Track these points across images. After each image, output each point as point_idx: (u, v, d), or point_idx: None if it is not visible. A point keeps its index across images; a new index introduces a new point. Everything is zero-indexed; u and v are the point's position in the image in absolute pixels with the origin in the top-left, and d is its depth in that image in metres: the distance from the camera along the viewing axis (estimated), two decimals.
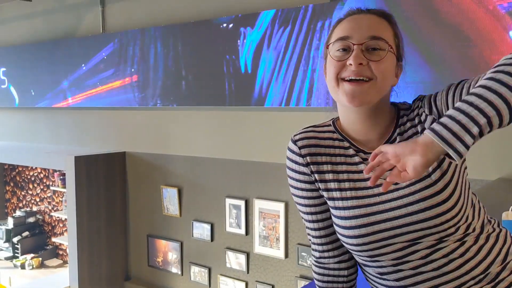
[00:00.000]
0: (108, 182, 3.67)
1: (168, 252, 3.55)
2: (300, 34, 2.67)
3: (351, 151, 1.04)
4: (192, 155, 3.34)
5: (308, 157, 1.05)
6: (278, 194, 2.91)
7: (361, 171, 1.01)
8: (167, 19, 3.36)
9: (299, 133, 1.08)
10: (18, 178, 4.84)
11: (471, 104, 0.80)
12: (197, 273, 3.39)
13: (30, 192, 4.74)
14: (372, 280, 1.06)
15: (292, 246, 2.89)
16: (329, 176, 1.03)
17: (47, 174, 4.55)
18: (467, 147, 0.78)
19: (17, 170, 4.83)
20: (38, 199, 4.69)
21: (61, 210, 4.33)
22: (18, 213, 4.63)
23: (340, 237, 1.03)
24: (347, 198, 1.00)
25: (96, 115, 3.92)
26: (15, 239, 4.45)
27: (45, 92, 4.18)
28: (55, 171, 4.21)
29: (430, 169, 0.97)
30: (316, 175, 1.04)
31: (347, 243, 1.01)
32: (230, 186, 3.15)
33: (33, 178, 4.70)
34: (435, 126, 0.82)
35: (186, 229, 3.43)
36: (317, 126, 1.10)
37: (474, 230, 0.98)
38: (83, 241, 3.52)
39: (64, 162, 3.56)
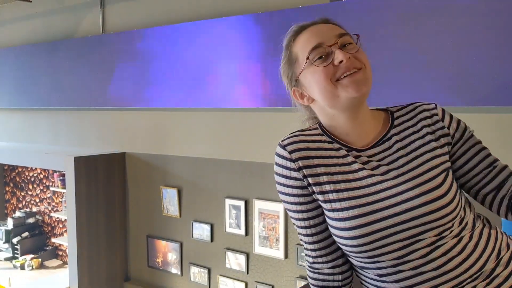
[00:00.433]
0: (107, 182, 3.67)
1: (168, 252, 3.55)
2: None
3: (342, 152, 1.04)
4: (192, 156, 3.34)
5: (300, 161, 1.04)
6: (278, 194, 2.90)
7: (355, 171, 1.02)
8: (168, 19, 3.36)
9: (288, 138, 1.08)
10: (17, 179, 4.84)
11: None
12: (197, 274, 3.38)
13: (30, 192, 4.74)
14: (369, 284, 1.06)
15: (292, 247, 2.89)
16: (324, 178, 1.02)
17: (46, 175, 4.55)
18: None
19: (16, 171, 4.83)
20: (37, 200, 4.69)
21: (61, 210, 4.33)
22: (17, 213, 4.63)
23: (338, 240, 1.02)
24: (344, 199, 1.00)
25: (95, 116, 3.92)
26: (14, 240, 4.44)
27: (45, 93, 4.18)
28: (54, 171, 4.21)
29: (427, 167, 0.99)
30: (309, 179, 1.03)
31: (346, 245, 1.01)
32: (230, 187, 3.15)
33: (32, 179, 4.70)
34: None
35: (185, 230, 3.43)
36: (304, 130, 1.10)
37: (467, 224, 1.00)
38: (83, 242, 3.52)
39: (63, 162, 3.56)
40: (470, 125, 1.10)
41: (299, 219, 1.07)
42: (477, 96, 2.12)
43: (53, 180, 4.29)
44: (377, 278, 1.01)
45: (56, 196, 4.47)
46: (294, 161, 1.04)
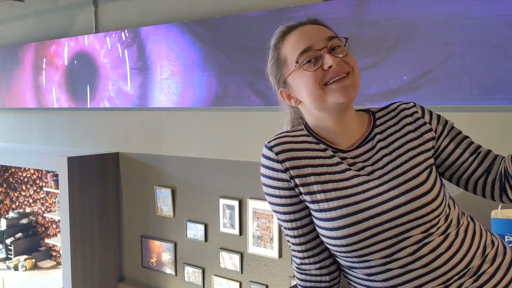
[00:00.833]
0: (101, 182, 3.66)
1: (162, 252, 3.54)
2: None
3: (329, 153, 1.05)
4: (185, 156, 3.33)
5: (287, 162, 1.04)
6: None
7: (342, 171, 1.02)
8: (162, 19, 3.36)
9: (274, 139, 1.08)
10: (11, 179, 4.82)
11: None
12: (191, 274, 3.38)
13: (23, 193, 4.71)
14: (357, 284, 1.06)
15: (285, 246, 2.89)
16: (311, 179, 1.03)
17: (40, 175, 4.53)
18: None
19: (10, 171, 4.81)
20: (31, 200, 4.67)
21: (54, 211, 4.31)
22: (11, 214, 4.61)
23: (326, 240, 1.03)
24: (332, 199, 1.01)
25: (89, 116, 3.91)
26: (8, 241, 4.43)
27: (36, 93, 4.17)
28: (48, 172, 4.19)
29: (410, 165, 1.02)
30: (297, 180, 1.03)
31: (334, 245, 1.01)
32: (224, 187, 3.15)
33: (26, 179, 4.68)
34: None
35: (179, 230, 3.42)
36: (290, 132, 1.11)
37: (452, 221, 1.01)
38: (76, 242, 3.51)
39: (57, 163, 3.55)
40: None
41: (286, 220, 1.07)
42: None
43: (46, 181, 4.27)
44: (366, 277, 1.02)
45: (49, 196, 4.46)
46: (281, 162, 1.04)
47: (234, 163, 3.07)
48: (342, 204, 1.00)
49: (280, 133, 1.10)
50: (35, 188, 4.61)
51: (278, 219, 1.10)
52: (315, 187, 1.02)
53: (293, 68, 1.04)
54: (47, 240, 4.39)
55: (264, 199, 2.95)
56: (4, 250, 4.46)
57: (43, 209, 4.55)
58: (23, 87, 4.28)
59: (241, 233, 3.08)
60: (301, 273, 1.09)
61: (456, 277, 0.97)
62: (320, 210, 1.01)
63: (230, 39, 2.94)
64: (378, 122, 1.09)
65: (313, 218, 1.05)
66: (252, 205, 2.99)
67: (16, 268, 4.26)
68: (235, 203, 3.07)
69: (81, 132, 3.99)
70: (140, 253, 3.68)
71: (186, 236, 3.37)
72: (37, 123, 4.33)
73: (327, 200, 1.01)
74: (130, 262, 3.78)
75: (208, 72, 3.06)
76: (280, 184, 1.05)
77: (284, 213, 1.07)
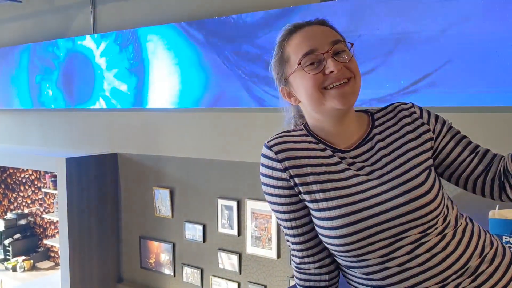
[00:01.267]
0: (99, 183, 3.66)
1: (161, 253, 3.54)
2: None
3: (328, 152, 1.05)
4: (184, 156, 3.33)
5: (286, 162, 1.05)
6: None
7: (341, 170, 1.03)
8: (160, 19, 3.36)
9: (273, 139, 1.08)
10: (9, 180, 4.81)
11: None
12: (190, 274, 3.38)
13: (21, 194, 4.71)
14: (356, 282, 1.07)
15: (284, 247, 2.90)
16: (310, 178, 1.03)
17: (38, 176, 4.53)
18: None
19: (8, 172, 4.80)
20: (29, 201, 4.66)
21: (53, 212, 4.31)
22: (9, 215, 4.61)
23: (325, 239, 1.03)
24: (331, 199, 1.01)
25: (86, 117, 3.91)
26: (6, 242, 4.42)
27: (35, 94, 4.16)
28: (46, 173, 4.19)
29: (409, 166, 1.02)
30: (296, 179, 1.04)
31: (333, 244, 1.01)
32: (222, 187, 3.15)
33: (24, 180, 4.67)
34: None
35: (178, 230, 3.42)
36: (289, 131, 1.11)
37: (450, 222, 1.02)
38: (75, 243, 3.50)
39: (55, 163, 3.54)
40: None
41: (286, 220, 1.08)
42: None
43: (44, 182, 4.27)
44: (364, 276, 1.02)
45: (47, 197, 4.45)
46: (280, 161, 1.05)
47: (232, 164, 3.07)
48: (341, 203, 1.00)
49: (279, 133, 1.11)
50: (33, 189, 4.60)
51: (277, 218, 1.10)
52: (314, 187, 1.03)
53: (295, 68, 1.04)
54: (45, 241, 4.39)
55: (263, 200, 2.96)
56: (2, 251, 4.46)
57: (41, 210, 4.54)
58: (20, 87, 4.28)
59: (239, 233, 3.09)
60: (301, 273, 1.10)
61: (454, 276, 0.98)
62: (319, 210, 1.02)
63: (228, 39, 2.94)
64: (376, 123, 1.09)
65: (312, 218, 1.05)
66: (250, 205, 2.99)
67: (14, 269, 4.25)
68: (234, 204, 3.08)
69: (79, 133, 3.99)
70: (138, 254, 3.68)
71: (185, 237, 3.37)
72: (35, 124, 4.32)
73: (326, 200, 1.01)
74: (128, 263, 3.78)
75: (205, 73, 3.06)
76: (279, 183, 1.06)
77: (283, 212, 1.07)
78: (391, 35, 2.34)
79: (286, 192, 1.05)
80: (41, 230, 4.59)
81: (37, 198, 4.59)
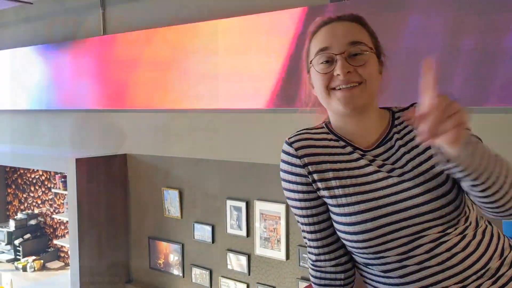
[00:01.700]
0: (109, 184, 3.68)
1: (169, 254, 3.55)
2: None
3: (348, 149, 1.06)
4: (193, 157, 3.34)
5: (305, 158, 1.06)
6: (279, 195, 2.91)
7: (362, 167, 1.03)
8: (169, 21, 3.37)
9: (294, 136, 1.10)
10: (19, 181, 4.85)
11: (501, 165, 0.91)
12: (199, 275, 3.39)
13: (32, 194, 4.74)
14: (373, 281, 1.07)
15: (293, 248, 2.89)
16: (329, 174, 1.04)
17: (48, 177, 4.56)
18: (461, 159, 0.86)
19: (18, 173, 4.84)
20: (39, 202, 4.70)
21: (63, 212, 4.34)
22: (19, 215, 4.64)
23: (343, 235, 1.03)
24: (350, 194, 1.01)
25: (97, 118, 3.93)
26: (16, 242, 4.45)
27: (43, 95, 4.19)
28: (56, 173, 4.21)
29: (429, 164, 1.01)
30: (315, 175, 1.04)
31: (351, 241, 1.01)
32: (231, 188, 3.15)
33: (34, 181, 4.71)
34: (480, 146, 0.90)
35: (187, 231, 3.43)
36: (310, 129, 1.12)
37: (471, 223, 1.01)
38: (85, 243, 3.52)
39: (65, 164, 3.56)
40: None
41: (303, 216, 1.08)
42: None
43: (54, 182, 4.30)
44: (382, 274, 1.02)
45: (58, 197, 4.48)
46: (299, 157, 1.06)
47: (241, 165, 3.07)
48: (361, 199, 1.00)
49: (300, 130, 1.12)
50: (43, 189, 4.63)
51: (295, 214, 1.11)
52: (333, 182, 1.03)
53: (309, 65, 1.07)
54: (55, 241, 4.42)
55: (271, 201, 2.97)
56: (12, 251, 4.49)
57: (51, 210, 4.58)
58: (30, 88, 4.31)
59: (248, 234, 3.08)
60: (316, 270, 1.10)
61: (474, 277, 0.97)
62: (338, 205, 1.02)
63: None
64: (396, 122, 1.09)
65: (331, 214, 1.06)
66: (259, 206, 2.99)
67: (24, 269, 4.28)
68: (242, 205, 3.07)
69: (89, 133, 4.01)
70: (147, 254, 3.69)
71: (194, 238, 3.37)
72: (46, 125, 4.35)
73: (345, 196, 1.02)
74: (137, 263, 3.79)
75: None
76: (298, 179, 1.06)
77: (302, 208, 1.08)
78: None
79: (304, 188, 1.06)
80: (51, 230, 4.62)
81: (47, 199, 4.62)
